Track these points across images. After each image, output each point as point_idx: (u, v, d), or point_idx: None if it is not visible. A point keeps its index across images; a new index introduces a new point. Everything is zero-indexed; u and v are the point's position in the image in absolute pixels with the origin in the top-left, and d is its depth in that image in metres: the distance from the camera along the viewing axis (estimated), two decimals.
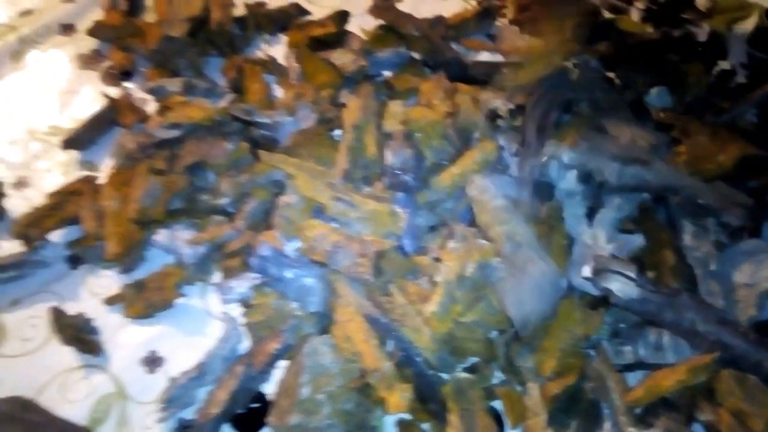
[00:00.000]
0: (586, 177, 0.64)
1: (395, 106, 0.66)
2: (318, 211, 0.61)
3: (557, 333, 0.57)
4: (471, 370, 0.58)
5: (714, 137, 0.66)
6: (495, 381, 0.59)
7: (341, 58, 0.72)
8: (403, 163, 0.61)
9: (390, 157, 0.62)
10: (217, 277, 0.64)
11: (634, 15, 0.90)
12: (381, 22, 0.82)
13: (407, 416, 0.57)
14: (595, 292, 0.57)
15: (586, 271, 0.56)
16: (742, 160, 0.64)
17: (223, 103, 0.70)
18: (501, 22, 0.87)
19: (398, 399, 0.52)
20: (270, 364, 0.57)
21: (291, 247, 0.59)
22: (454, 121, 0.66)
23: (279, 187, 0.64)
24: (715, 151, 0.64)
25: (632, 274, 0.55)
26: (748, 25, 0.89)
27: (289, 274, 0.57)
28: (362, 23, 0.85)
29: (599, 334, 0.58)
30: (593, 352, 0.58)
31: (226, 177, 0.63)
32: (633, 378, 0.58)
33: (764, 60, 0.85)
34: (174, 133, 0.65)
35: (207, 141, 0.65)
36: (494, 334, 0.60)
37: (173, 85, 0.73)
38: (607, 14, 0.89)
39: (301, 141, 0.65)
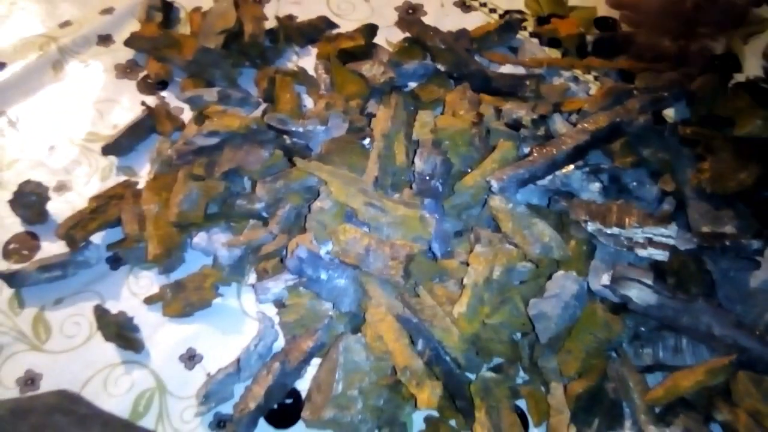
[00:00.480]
0: (608, 189, 0.67)
1: (424, 116, 0.69)
2: (350, 216, 0.64)
3: (580, 336, 0.60)
4: (496, 369, 0.61)
5: (736, 155, 0.67)
6: (519, 381, 0.62)
7: (371, 70, 0.75)
8: (433, 170, 0.64)
9: (420, 164, 0.64)
10: (252, 278, 0.67)
11: None
12: (407, 34, 0.85)
13: (434, 413, 0.59)
14: (614, 298, 0.60)
15: (606, 279, 0.59)
16: (762, 178, 0.66)
17: (256, 112, 0.73)
18: (522, 35, 0.90)
19: (429, 395, 0.54)
20: (304, 362, 0.59)
21: (324, 251, 0.62)
22: (478, 130, 0.69)
23: (312, 193, 0.66)
24: (737, 168, 0.66)
25: (649, 281, 0.57)
26: (764, 38, 0.92)
27: (323, 275, 0.59)
28: (388, 36, 0.88)
29: (620, 337, 0.60)
30: (615, 354, 0.60)
31: (261, 183, 0.66)
32: (653, 379, 0.60)
33: None
34: (212, 141, 0.68)
35: (243, 148, 0.68)
36: (518, 335, 0.62)
37: (209, 95, 0.76)
38: (625, 27, 0.92)
39: (333, 149, 0.67)
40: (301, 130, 0.70)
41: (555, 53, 0.88)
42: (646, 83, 0.76)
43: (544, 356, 0.60)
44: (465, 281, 0.58)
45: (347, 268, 0.60)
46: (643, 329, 0.62)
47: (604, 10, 0.94)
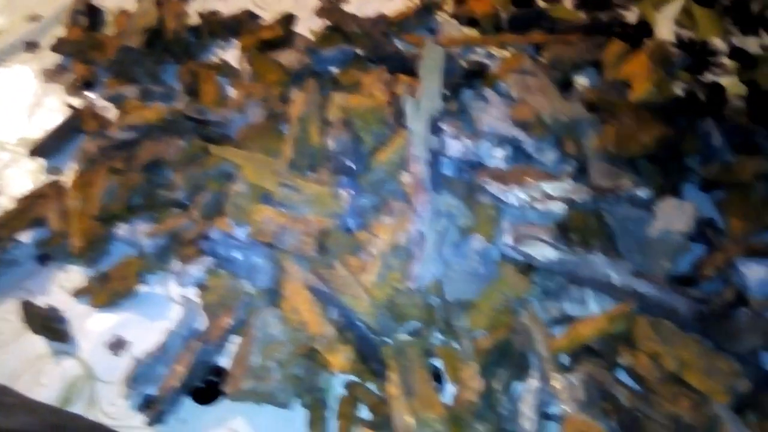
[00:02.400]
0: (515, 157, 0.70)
1: (338, 98, 0.71)
2: (267, 199, 0.66)
3: (490, 294, 0.62)
4: (412, 333, 0.63)
5: (637, 118, 0.70)
6: (436, 342, 0.64)
7: (287, 57, 0.77)
8: (343, 147, 0.66)
9: (331, 143, 0.66)
10: (176, 265, 0.69)
11: (568, 3, 0.96)
12: (327, 22, 0.87)
13: (354, 378, 0.61)
14: (520, 257, 0.62)
15: (509, 239, 0.62)
16: (662, 140, 0.69)
17: (177, 105, 0.75)
18: (441, 16, 0.93)
19: (340, 359, 0.56)
20: (224, 338, 0.62)
21: (243, 232, 0.64)
22: (391, 108, 0.72)
23: (229, 178, 0.68)
24: (639, 131, 0.69)
25: (548, 238, 0.60)
26: (675, 6, 0.95)
27: (237, 254, 0.61)
28: (311, 25, 0.91)
29: (527, 293, 0.63)
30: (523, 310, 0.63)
31: (179, 171, 0.68)
32: (561, 332, 0.62)
33: (691, 39, 0.91)
34: (130, 135, 0.70)
35: (162, 140, 0.70)
36: (434, 299, 0.65)
37: (131, 91, 0.78)
38: (541, 3, 0.95)
39: (249, 135, 0.70)
40: (219, 119, 0.72)
41: (473, 32, 0.91)
42: (554, 54, 0.79)
43: (456, 316, 0.62)
44: (373, 250, 0.60)
45: (262, 246, 0.63)
46: (550, 285, 0.64)
47: None
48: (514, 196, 0.63)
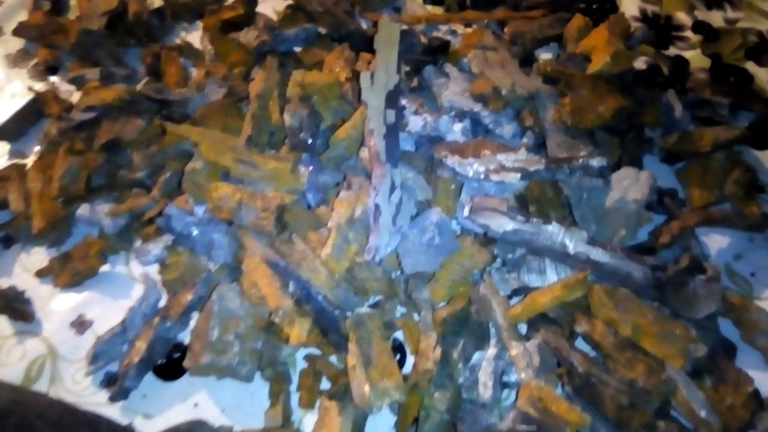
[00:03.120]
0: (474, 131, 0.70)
1: (297, 74, 0.71)
2: (226, 176, 0.66)
3: (449, 266, 0.63)
4: (374, 306, 0.64)
5: (594, 90, 0.71)
6: (399, 315, 0.65)
7: (247, 37, 0.77)
8: (300, 123, 0.66)
9: (288, 119, 0.67)
10: (137, 244, 0.69)
11: None
12: (290, 2, 0.87)
13: (316, 351, 0.62)
14: (478, 229, 0.63)
15: (466, 211, 0.62)
16: (619, 111, 0.69)
17: (138, 86, 0.74)
18: None
19: (298, 331, 0.57)
20: (185, 315, 0.62)
21: (201, 209, 0.64)
22: (351, 85, 0.72)
23: (189, 157, 0.68)
24: (595, 103, 0.69)
25: (504, 209, 0.61)
26: None
27: (195, 231, 0.62)
28: (275, 5, 0.91)
29: (485, 265, 0.63)
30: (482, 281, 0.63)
31: (137, 151, 0.68)
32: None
33: (655, 14, 0.92)
34: (89, 115, 0.70)
35: (121, 120, 0.70)
36: (396, 273, 0.65)
37: (92, 74, 0.78)
38: None
39: (208, 113, 0.70)
40: (178, 98, 0.72)
41: (438, 10, 0.91)
42: (516, 29, 0.80)
43: (416, 288, 0.63)
44: (329, 224, 0.61)
45: (220, 222, 0.63)
46: (510, 257, 0.65)
47: None
48: (471, 168, 0.63)
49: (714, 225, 0.68)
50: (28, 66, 0.86)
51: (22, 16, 0.91)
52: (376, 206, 0.60)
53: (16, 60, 0.87)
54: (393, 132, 0.64)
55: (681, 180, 0.73)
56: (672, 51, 0.87)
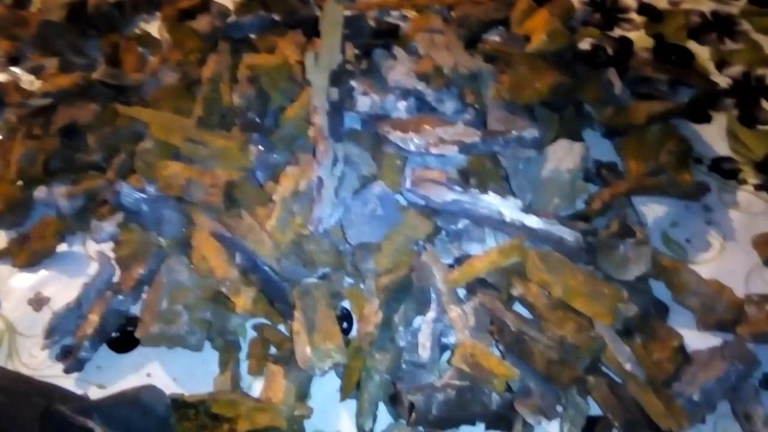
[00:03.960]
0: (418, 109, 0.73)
1: (248, 58, 0.74)
2: (177, 156, 0.68)
3: (393, 237, 0.65)
4: (322, 277, 0.66)
5: (532, 67, 0.73)
6: (346, 286, 0.67)
7: (201, 24, 0.80)
8: (248, 103, 0.69)
9: (237, 99, 0.69)
10: (93, 223, 0.71)
11: None
12: None
13: (264, 320, 0.64)
14: (419, 200, 0.65)
15: (407, 183, 0.64)
16: (556, 87, 0.72)
17: (95, 74, 0.76)
18: None
19: (244, 300, 0.59)
20: (136, 288, 0.64)
21: (152, 188, 0.66)
22: (301, 67, 0.74)
23: (143, 139, 0.71)
24: (533, 79, 0.72)
25: (443, 180, 0.63)
26: None
27: (144, 207, 0.64)
28: None
29: (427, 235, 0.66)
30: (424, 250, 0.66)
31: (91, 133, 0.70)
32: None
33: None
34: (46, 101, 0.72)
35: (77, 105, 0.72)
36: (343, 245, 0.68)
37: (51, 63, 0.80)
38: None
39: (161, 96, 0.72)
40: (132, 83, 0.74)
41: None
42: (463, 13, 0.82)
43: (362, 259, 0.65)
44: (274, 197, 0.63)
45: (170, 199, 0.65)
46: (453, 227, 0.68)
47: None
48: (412, 142, 0.66)
49: (647, 193, 0.71)
50: None
51: None
52: (319, 179, 0.62)
53: None
54: (337, 109, 0.67)
55: (619, 153, 0.76)
56: (617, 32, 0.90)
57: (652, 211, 0.73)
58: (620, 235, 0.63)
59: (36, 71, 0.81)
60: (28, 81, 0.84)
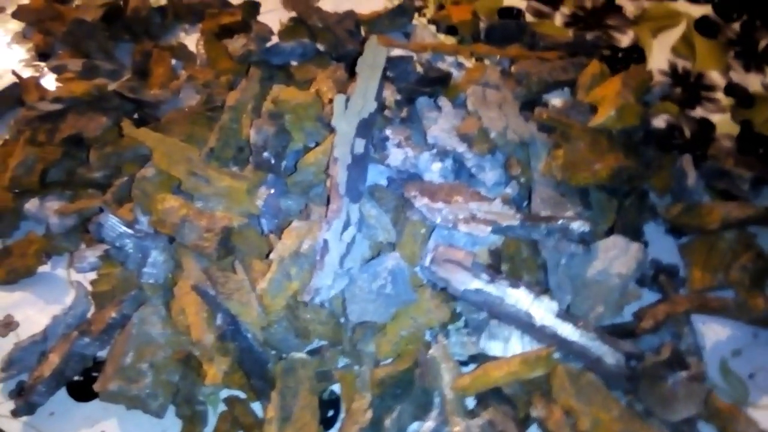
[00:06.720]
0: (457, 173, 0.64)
1: (276, 89, 0.67)
2: (179, 189, 0.62)
3: (401, 319, 0.56)
4: (313, 352, 0.58)
5: (593, 144, 0.64)
6: (341, 365, 0.58)
7: (234, 44, 0.73)
8: (265, 141, 0.61)
9: (253, 135, 0.62)
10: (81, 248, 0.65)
11: (558, 20, 0.90)
12: (293, 14, 0.83)
13: (240, 393, 0.56)
14: (438, 282, 0.56)
15: (427, 260, 0.56)
16: (618, 172, 0.62)
17: (114, 84, 0.71)
18: (420, 22, 0.88)
19: (214, 372, 0.51)
20: (106, 332, 0.57)
21: (146, 221, 0.59)
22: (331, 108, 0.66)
23: (147, 162, 0.64)
24: (592, 159, 0.62)
25: (468, 264, 0.54)
26: (675, 34, 0.88)
27: (129, 244, 0.57)
28: (282, 16, 0.87)
29: (445, 324, 0.57)
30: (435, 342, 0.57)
31: (94, 150, 0.64)
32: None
33: (686, 70, 0.84)
34: (56, 107, 0.67)
35: (86, 115, 0.67)
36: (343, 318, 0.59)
37: (74, 64, 0.75)
38: (529, 18, 0.89)
39: (176, 118, 0.66)
40: (150, 99, 0.68)
41: (451, 40, 0.85)
42: (523, 69, 0.73)
43: (363, 339, 0.57)
44: (272, 255, 0.55)
45: (159, 238, 0.58)
46: (475, 317, 0.58)
47: (511, 0, 0.91)
48: (440, 214, 0.57)
49: (710, 313, 0.60)
50: (22, 50, 0.84)
51: None
52: (325, 242, 0.54)
53: (12, 42, 0.85)
54: (360, 164, 0.58)
55: (684, 257, 0.65)
56: (698, 112, 0.79)
57: (713, 332, 0.61)
58: (670, 364, 0.53)
59: (58, 71, 0.76)
60: (51, 80, 0.79)
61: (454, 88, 0.73)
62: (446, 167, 0.63)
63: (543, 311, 0.53)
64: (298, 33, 0.81)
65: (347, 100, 0.60)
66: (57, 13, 0.83)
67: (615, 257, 0.57)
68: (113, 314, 0.57)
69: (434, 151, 0.64)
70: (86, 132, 0.66)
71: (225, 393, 0.57)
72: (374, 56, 0.62)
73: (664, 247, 0.66)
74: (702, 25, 0.88)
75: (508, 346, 0.56)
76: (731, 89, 0.81)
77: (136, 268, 0.57)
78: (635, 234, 0.64)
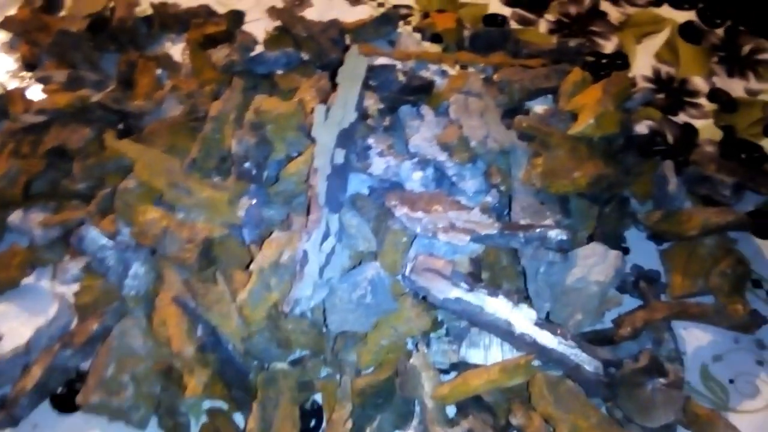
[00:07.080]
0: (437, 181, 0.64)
1: (259, 99, 0.67)
2: (160, 200, 0.62)
3: (382, 328, 0.57)
4: (295, 362, 0.58)
5: (573, 152, 0.64)
6: (323, 375, 0.59)
7: (217, 53, 0.74)
8: (246, 152, 0.62)
9: (234, 146, 0.62)
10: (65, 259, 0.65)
11: (543, 27, 0.90)
12: (278, 23, 0.84)
13: (223, 404, 0.56)
14: (418, 291, 0.57)
15: (407, 269, 0.56)
16: (597, 180, 0.62)
17: (97, 95, 0.71)
18: (405, 30, 0.88)
19: (194, 383, 0.52)
20: (88, 344, 0.57)
21: (127, 231, 0.60)
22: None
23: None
24: (572, 167, 0.63)
25: (448, 273, 0.54)
26: (659, 39, 0.89)
27: (110, 256, 0.57)
28: (267, 25, 0.87)
29: (426, 333, 0.57)
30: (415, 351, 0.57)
31: (77, 161, 0.64)
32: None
33: (670, 76, 0.84)
34: (40, 119, 0.67)
35: (70, 127, 0.67)
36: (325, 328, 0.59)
37: (59, 75, 0.75)
38: (514, 25, 0.90)
39: (158, 129, 0.66)
40: (134, 110, 0.68)
41: (436, 48, 0.86)
42: (505, 77, 0.74)
43: (345, 348, 0.57)
44: (251, 267, 0.55)
45: (140, 250, 0.58)
46: (456, 324, 0.58)
47: (496, 8, 0.92)
48: (420, 223, 0.57)
49: (689, 320, 0.61)
50: (11, 60, 0.85)
51: (14, 9, 0.89)
52: (304, 253, 0.55)
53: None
54: (340, 174, 0.59)
55: (665, 263, 0.65)
56: (681, 118, 0.80)
57: (694, 338, 0.62)
58: (649, 371, 0.53)
59: (43, 81, 0.77)
60: (37, 90, 0.80)
61: (437, 97, 0.73)
62: (427, 176, 0.63)
63: (522, 319, 0.54)
64: (283, 42, 0.82)
65: (327, 110, 0.60)
66: (43, 24, 0.83)
67: (594, 265, 0.57)
68: (95, 326, 0.57)
69: (415, 159, 0.64)
70: (70, 143, 0.66)
71: (208, 404, 0.57)
72: (354, 66, 0.62)
73: (645, 253, 0.67)
74: (686, 31, 0.89)
75: (489, 353, 0.57)
76: (714, 94, 0.82)
77: (117, 280, 0.58)
78: (616, 240, 0.65)
